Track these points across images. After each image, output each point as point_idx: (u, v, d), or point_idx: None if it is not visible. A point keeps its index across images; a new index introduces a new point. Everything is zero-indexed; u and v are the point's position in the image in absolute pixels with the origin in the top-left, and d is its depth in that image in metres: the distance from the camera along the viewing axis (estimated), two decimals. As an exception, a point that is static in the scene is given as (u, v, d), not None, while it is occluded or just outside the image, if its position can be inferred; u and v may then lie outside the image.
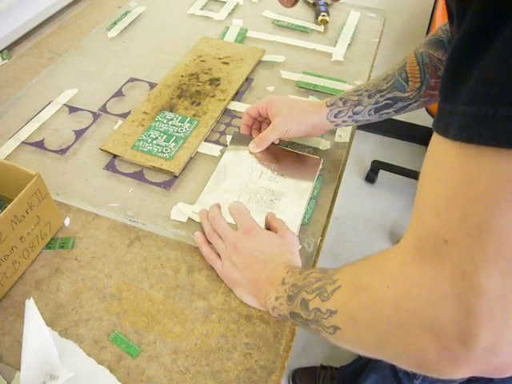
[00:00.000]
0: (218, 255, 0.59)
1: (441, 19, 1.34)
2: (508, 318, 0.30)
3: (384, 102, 0.66)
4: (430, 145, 0.33)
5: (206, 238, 0.61)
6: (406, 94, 0.65)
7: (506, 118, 0.26)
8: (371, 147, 1.95)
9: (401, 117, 1.88)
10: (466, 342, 0.31)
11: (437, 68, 0.63)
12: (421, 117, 1.75)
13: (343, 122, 0.69)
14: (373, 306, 0.38)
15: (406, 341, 0.35)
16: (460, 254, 0.30)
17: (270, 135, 0.70)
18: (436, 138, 0.32)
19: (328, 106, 0.69)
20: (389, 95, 0.66)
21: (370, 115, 0.68)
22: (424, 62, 0.64)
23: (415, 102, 0.65)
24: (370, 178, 1.83)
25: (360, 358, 1.14)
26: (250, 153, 0.72)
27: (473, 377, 0.33)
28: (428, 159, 0.33)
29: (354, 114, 0.68)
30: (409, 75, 0.65)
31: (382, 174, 1.82)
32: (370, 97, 0.66)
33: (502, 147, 0.27)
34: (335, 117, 0.69)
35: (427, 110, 1.46)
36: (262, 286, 0.54)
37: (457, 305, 0.31)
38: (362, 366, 1.09)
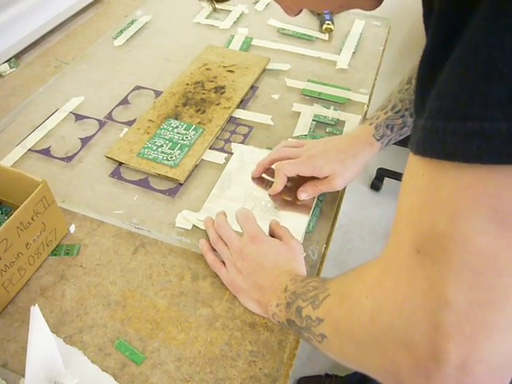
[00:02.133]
0: (223, 263, 0.59)
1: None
2: (477, 333, 0.28)
3: None
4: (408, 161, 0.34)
5: (210, 245, 0.61)
6: None
7: (452, 131, 0.27)
8: (376, 155, 1.94)
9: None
10: (436, 358, 0.30)
11: None
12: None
13: (387, 145, 0.69)
14: (352, 315, 0.38)
15: (383, 355, 0.34)
16: (430, 263, 0.30)
17: (324, 190, 0.66)
18: (411, 156, 0.32)
19: (379, 140, 0.66)
20: None
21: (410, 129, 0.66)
22: None
23: None
24: (376, 185, 1.83)
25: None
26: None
27: None
28: (405, 172, 0.34)
29: (400, 136, 0.67)
30: None
31: (387, 181, 1.82)
32: (412, 116, 0.65)
33: (451, 160, 0.27)
34: (385, 145, 0.68)
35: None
36: (266, 293, 0.54)
37: (427, 317, 0.30)
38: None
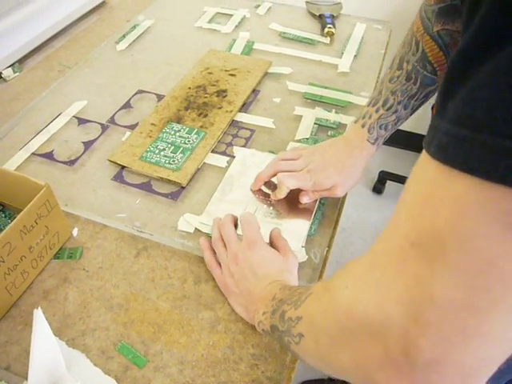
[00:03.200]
0: (219, 264, 0.60)
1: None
2: (455, 334, 0.28)
3: (419, 103, 0.64)
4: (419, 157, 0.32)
5: (210, 244, 0.62)
6: (437, 84, 0.61)
7: (481, 145, 0.25)
8: (378, 158, 1.95)
9: (408, 127, 1.88)
10: (408, 352, 0.29)
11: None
12: (427, 127, 1.75)
13: (384, 141, 0.68)
14: (329, 305, 0.38)
15: (355, 347, 0.34)
16: (421, 258, 0.29)
17: (325, 196, 0.67)
18: (423, 152, 0.31)
19: (374, 144, 0.66)
20: (422, 95, 0.63)
21: (406, 119, 0.66)
22: (446, 43, 0.58)
23: None
24: (378, 188, 1.83)
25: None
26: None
27: None
28: (415, 166, 0.32)
29: (395, 129, 0.66)
30: (434, 65, 0.59)
31: (389, 184, 1.82)
32: (405, 108, 0.64)
33: (473, 174, 0.26)
34: (380, 145, 0.67)
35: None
36: (254, 301, 0.54)
37: (406, 311, 0.29)
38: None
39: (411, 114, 0.66)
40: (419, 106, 0.65)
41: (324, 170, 0.65)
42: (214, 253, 0.61)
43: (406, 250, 0.30)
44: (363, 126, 0.66)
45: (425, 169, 0.31)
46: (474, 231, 0.27)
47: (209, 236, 0.63)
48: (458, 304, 0.27)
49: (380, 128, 0.65)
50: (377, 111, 0.65)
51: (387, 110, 0.64)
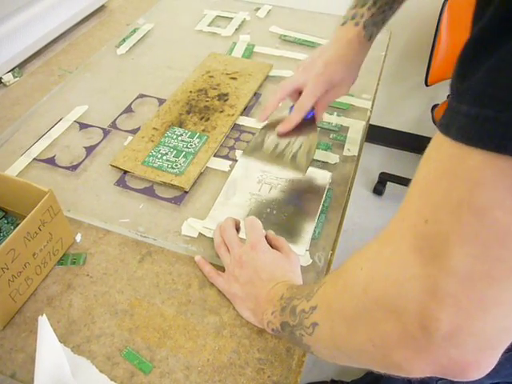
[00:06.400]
0: (219, 272, 0.60)
1: (446, 32, 1.34)
2: (473, 305, 0.28)
3: (397, 7, 0.67)
4: (431, 140, 0.32)
5: (205, 260, 0.62)
6: None
7: (506, 123, 0.25)
8: (379, 159, 1.95)
9: (408, 128, 1.89)
10: (426, 327, 0.30)
11: None
12: (428, 128, 1.76)
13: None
14: (345, 288, 0.38)
15: (372, 326, 0.34)
16: (437, 233, 0.29)
17: (331, 100, 0.71)
18: (438, 134, 0.31)
19: (369, 40, 0.68)
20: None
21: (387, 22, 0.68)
22: None
23: None
24: (378, 190, 1.83)
25: (372, 372, 1.13)
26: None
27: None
28: (426, 150, 0.33)
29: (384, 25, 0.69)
30: None
31: (389, 186, 1.82)
32: (391, 9, 0.66)
33: (500, 152, 0.26)
34: (372, 42, 0.69)
35: (435, 122, 1.46)
36: (261, 303, 0.54)
37: (423, 285, 0.30)
38: (374, 380, 1.08)
39: (391, 17, 0.68)
40: (396, 10, 0.67)
41: (329, 66, 0.67)
42: (212, 265, 0.61)
43: (419, 227, 0.31)
44: (357, 25, 0.67)
45: (438, 148, 0.31)
46: (490, 202, 0.27)
47: (213, 242, 0.63)
48: (476, 275, 0.28)
49: (373, 25, 0.67)
50: (369, 9, 0.67)
51: (378, 8, 0.66)
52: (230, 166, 0.75)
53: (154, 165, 0.73)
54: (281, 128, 0.71)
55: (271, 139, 0.72)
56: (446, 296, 0.29)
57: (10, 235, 0.52)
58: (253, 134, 0.80)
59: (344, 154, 0.77)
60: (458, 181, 0.28)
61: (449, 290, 0.29)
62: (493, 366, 0.31)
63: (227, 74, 0.92)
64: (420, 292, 0.30)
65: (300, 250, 0.62)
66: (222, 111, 0.83)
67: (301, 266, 0.59)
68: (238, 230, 0.63)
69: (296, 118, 0.69)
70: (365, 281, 0.35)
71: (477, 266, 0.28)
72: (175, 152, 0.75)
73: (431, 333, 0.30)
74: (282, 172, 0.71)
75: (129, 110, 0.86)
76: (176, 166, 0.73)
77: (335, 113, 0.84)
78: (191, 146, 0.76)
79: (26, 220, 0.53)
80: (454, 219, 0.28)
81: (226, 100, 0.86)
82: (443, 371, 0.31)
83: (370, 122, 0.88)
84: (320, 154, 0.76)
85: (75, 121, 0.84)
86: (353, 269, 0.38)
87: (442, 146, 0.30)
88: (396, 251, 0.32)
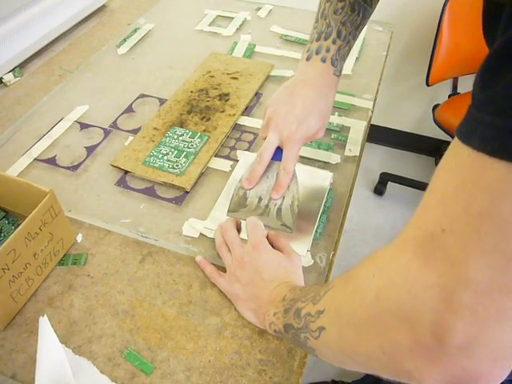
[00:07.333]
0: (220, 273, 0.59)
1: (447, 33, 1.34)
2: (489, 317, 0.28)
3: (359, 34, 0.68)
4: (449, 148, 0.32)
5: (206, 261, 0.61)
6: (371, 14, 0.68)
7: None
8: (379, 159, 1.95)
9: (409, 128, 1.89)
10: (440, 336, 0.29)
11: None
12: (429, 128, 1.76)
13: None
14: (356, 294, 0.38)
15: (383, 334, 0.34)
16: (454, 243, 0.29)
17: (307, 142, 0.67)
18: (457, 143, 0.31)
19: (339, 76, 0.66)
20: (362, 27, 0.68)
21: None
22: None
23: None
24: (379, 190, 1.83)
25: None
26: None
27: None
28: (444, 156, 0.32)
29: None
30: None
31: (390, 186, 1.82)
32: (354, 38, 0.67)
33: None
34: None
35: (436, 121, 1.46)
36: (263, 304, 0.54)
37: (439, 295, 0.30)
38: (374, 381, 1.08)
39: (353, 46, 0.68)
40: (357, 38, 0.68)
41: (303, 123, 0.63)
42: (214, 265, 0.61)
43: (436, 237, 0.31)
44: (324, 61, 0.65)
45: (457, 157, 0.31)
46: (511, 214, 0.27)
47: (214, 242, 0.63)
48: (494, 286, 0.28)
49: (341, 59, 0.66)
50: (334, 43, 0.65)
51: (343, 40, 0.65)
52: (231, 166, 0.75)
53: (155, 165, 0.73)
54: (246, 183, 0.66)
55: (254, 191, 0.66)
56: (462, 306, 0.29)
57: (11, 235, 0.52)
58: (254, 134, 0.80)
59: (345, 154, 0.77)
60: (479, 191, 0.28)
61: (465, 300, 0.29)
62: (505, 377, 0.31)
63: (228, 73, 0.92)
64: (435, 301, 0.30)
65: (301, 251, 0.62)
66: (222, 111, 0.83)
67: (302, 266, 0.59)
68: (239, 230, 0.63)
69: (260, 170, 0.65)
70: (377, 288, 0.35)
71: (495, 278, 0.28)
72: (176, 152, 0.75)
73: (445, 343, 0.29)
74: (270, 228, 0.65)
75: (129, 109, 0.86)
76: (177, 166, 0.73)
77: (336, 113, 0.84)
78: (192, 146, 0.76)
79: (26, 220, 0.53)
80: (473, 230, 0.28)
81: (226, 100, 0.86)
82: (455, 381, 0.31)
83: (371, 122, 0.87)
84: (321, 155, 0.76)
85: (76, 121, 0.84)
86: (364, 275, 0.37)
87: (461, 155, 0.30)
88: (411, 260, 0.32)
